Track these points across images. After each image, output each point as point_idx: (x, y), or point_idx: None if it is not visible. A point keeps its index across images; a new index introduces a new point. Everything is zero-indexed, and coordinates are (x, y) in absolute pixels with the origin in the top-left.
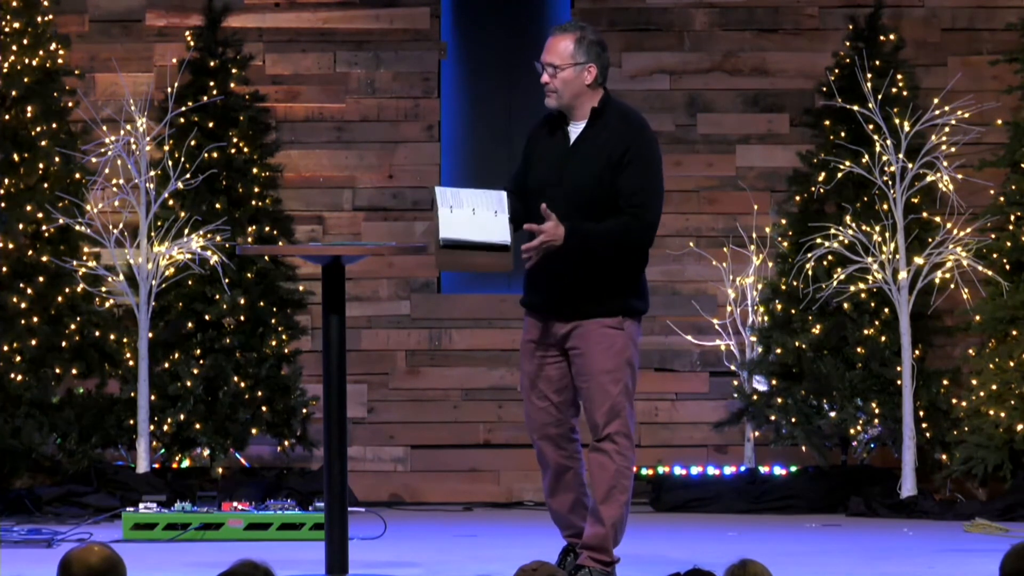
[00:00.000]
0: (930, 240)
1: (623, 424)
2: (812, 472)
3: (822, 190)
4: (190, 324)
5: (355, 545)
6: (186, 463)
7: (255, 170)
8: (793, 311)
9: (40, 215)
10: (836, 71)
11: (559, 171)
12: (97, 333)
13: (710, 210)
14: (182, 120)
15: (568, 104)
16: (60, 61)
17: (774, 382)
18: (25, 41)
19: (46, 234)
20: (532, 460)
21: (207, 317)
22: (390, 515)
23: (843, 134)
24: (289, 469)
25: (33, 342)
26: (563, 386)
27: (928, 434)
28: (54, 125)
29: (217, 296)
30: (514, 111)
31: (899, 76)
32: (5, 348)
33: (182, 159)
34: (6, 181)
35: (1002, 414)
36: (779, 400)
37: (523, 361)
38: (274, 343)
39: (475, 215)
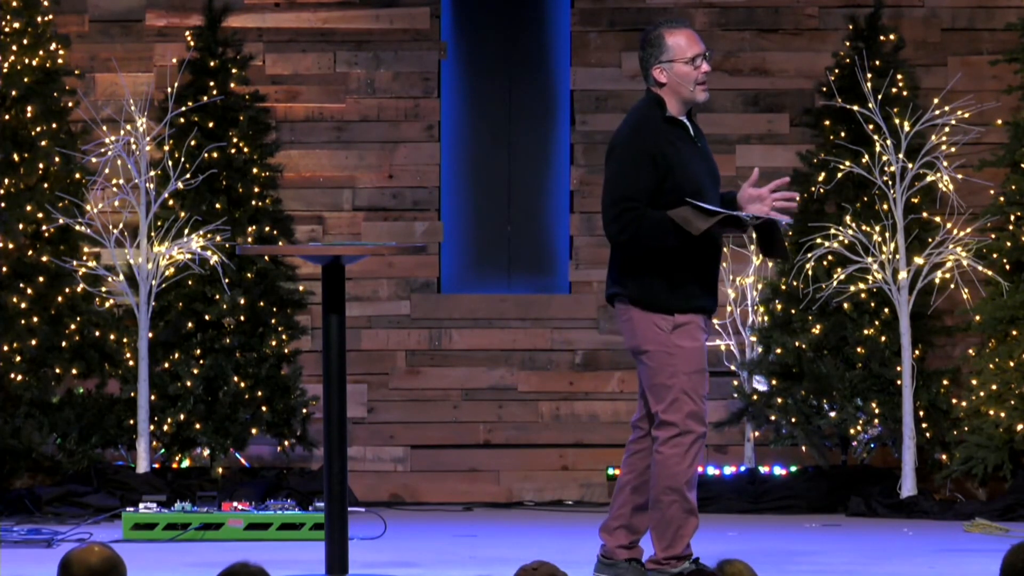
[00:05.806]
0: (930, 240)
1: None
2: (812, 472)
3: (822, 190)
4: (190, 324)
5: (355, 545)
6: (186, 463)
7: (255, 170)
8: (793, 311)
9: (40, 215)
10: (836, 71)
11: (708, 169)
12: (97, 333)
13: None
14: (182, 120)
15: None
16: (60, 61)
17: (774, 382)
18: (25, 41)
19: (46, 234)
20: (532, 460)
21: (207, 317)
22: (390, 515)
23: (843, 134)
24: (289, 469)
25: (33, 342)
26: None
27: (928, 434)
28: (54, 125)
29: (217, 296)
30: (514, 111)
31: (899, 76)
32: (5, 348)
33: (182, 159)
34: (6, 181)
35: (1002, 414)
36: (779, 400)
37: (700, 362)
38: (274, 343)
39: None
